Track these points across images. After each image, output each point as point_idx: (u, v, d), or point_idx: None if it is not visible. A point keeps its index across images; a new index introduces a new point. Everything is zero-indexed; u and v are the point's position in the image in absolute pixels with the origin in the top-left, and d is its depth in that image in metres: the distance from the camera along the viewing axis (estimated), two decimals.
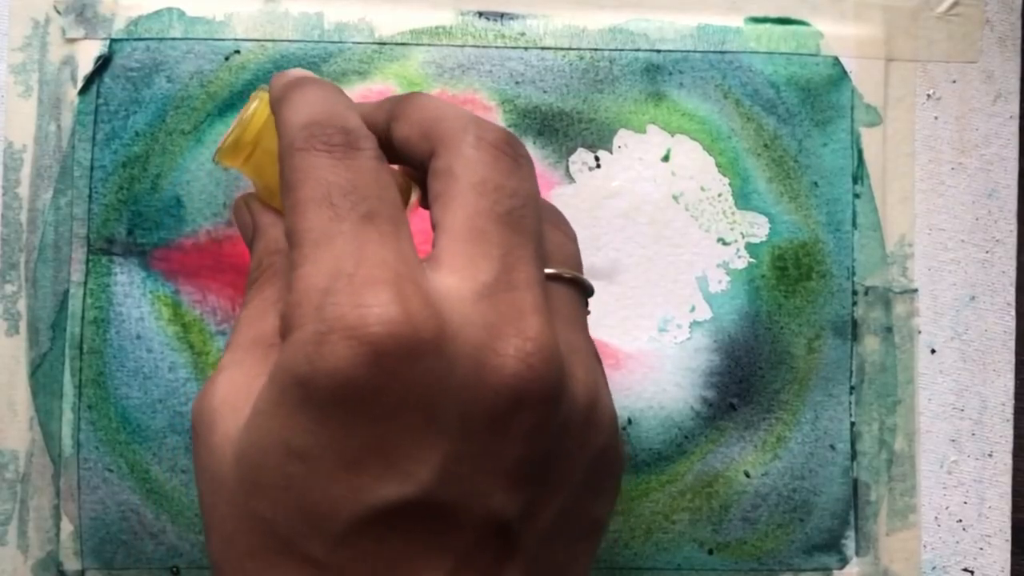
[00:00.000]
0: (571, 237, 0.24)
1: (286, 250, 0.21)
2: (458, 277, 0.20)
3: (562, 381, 0.20)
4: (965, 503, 0.32)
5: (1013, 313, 0.32)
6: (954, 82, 0.33)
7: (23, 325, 0.31)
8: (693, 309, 0.31)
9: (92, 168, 0.31)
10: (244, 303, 0.23)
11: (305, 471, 0.19)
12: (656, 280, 0.31)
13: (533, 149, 0.31)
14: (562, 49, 0.32)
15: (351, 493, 0.19)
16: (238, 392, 0.21)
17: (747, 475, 0.31)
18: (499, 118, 0.31)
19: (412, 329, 0.18)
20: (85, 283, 0.31)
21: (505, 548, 0.20)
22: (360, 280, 0.18)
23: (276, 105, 0.23)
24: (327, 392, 0.18)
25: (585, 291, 0.23)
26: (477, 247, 0.20)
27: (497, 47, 0.32)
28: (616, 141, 0.32)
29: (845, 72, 0.32)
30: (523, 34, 0.32)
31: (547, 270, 0.22)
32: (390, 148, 0.23)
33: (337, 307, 0.18)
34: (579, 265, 0.24)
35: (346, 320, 0.18)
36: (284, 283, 0.22)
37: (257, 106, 0.24)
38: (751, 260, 0.32)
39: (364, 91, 0.31)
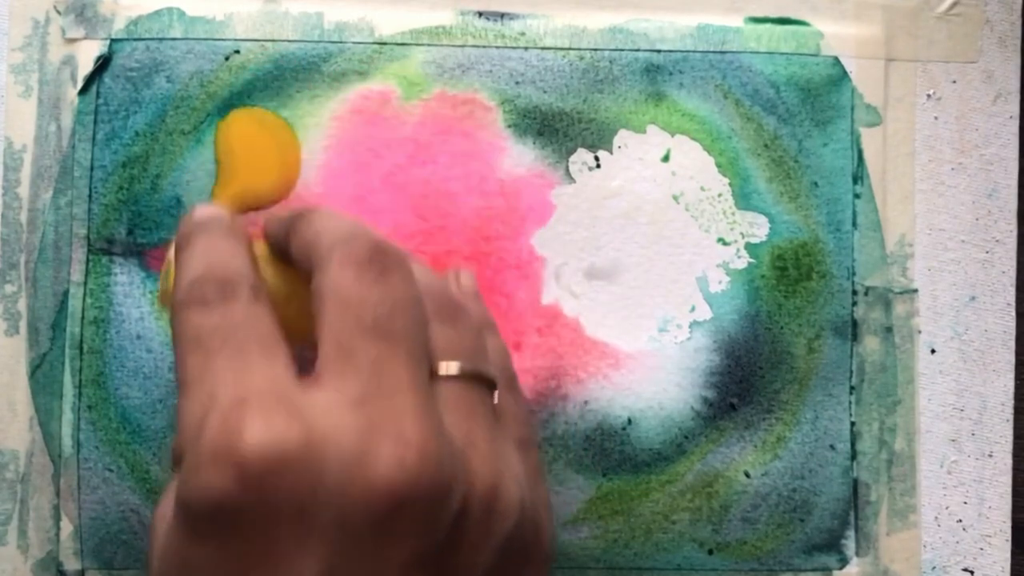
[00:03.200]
0: (470, 328, 0.24)
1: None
2: (331, 391, 0.20)
3: (447, 478, 0.20)
4: (965, 503, 0.32)
5: (1013, 313, 0.32)
6: (954, 82, 0.33)
7: (23, 325, 0.32)
8: (693, 309, 0.31)
9: (92, 168, 0.31)
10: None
11: None
12: (656, 280, 0.31)
13: (533, 149, 0.31)
14: (562, 49, 0.32)
15: None
16: (167, 511, 0.21)
17: (747, 475, 0.31)
18: (499, 118, 0.31)
19: (277, 442, 0.19)
20: (85, 283, 0.31)
21: None
22: (226, 405, 0.19)
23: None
24: (203, 515, 0.19)
25: (487, 383, 0.23)
26: (345, 362, 0.20)
27: (497, 47, 0.32)
28: (616, 141, 0.32)
29: (845, 72, 0.32)
30: (523, 34, 0.32)
31: (444, 365, 0.22)
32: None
33: (207, 433, 0.19)
34: (481, 355, 0.24)
35: (214, 444, 0.19)
36: None
37: (171, 255, 0.25)
38: (751, 260, 0.32)
39: (364, 91, 0.31)
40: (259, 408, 0.19)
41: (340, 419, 0.20)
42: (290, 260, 0.25)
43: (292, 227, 0.24)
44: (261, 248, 0.26)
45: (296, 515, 0.19)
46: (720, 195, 0.32)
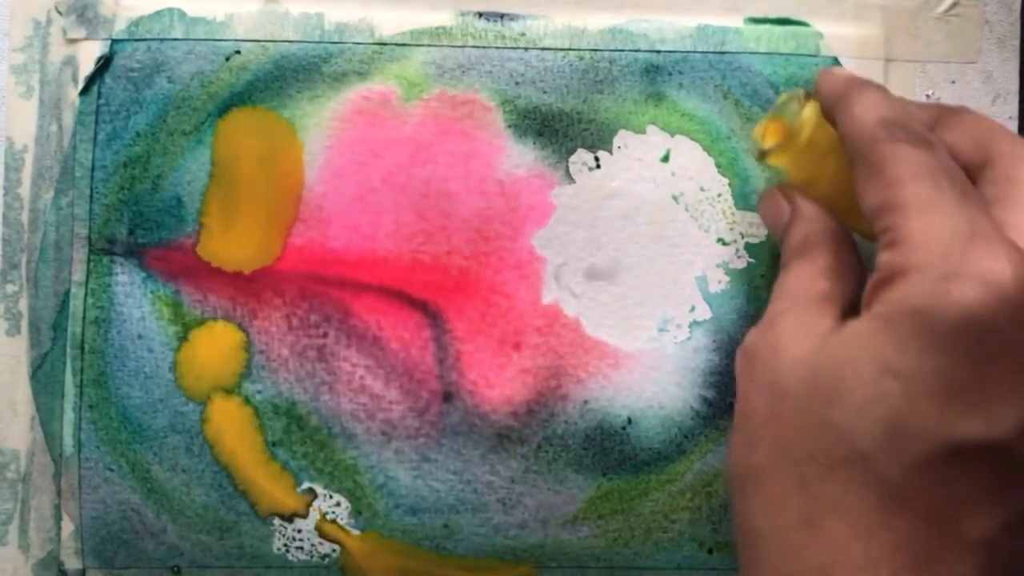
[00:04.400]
0: None
1: (831, 231, 0.26)
2: None
3: None
4: None
5: None
6: (953, 82, 0.33)
7: (24, 325, 0.32)
8: (693, 309, 0.32)
9: (93, 168, 0.31)
10: (787, 271, 0.27)
11: (899, 390, 0.21)
12: (656, 280, 0.32)
13: (533, 149, 0.32)
14: (562, 49, 0.32)
15: (939, 421, 0.21)
16: (798, 330, 0.24)
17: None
18: (499, 118, 0.32)
19: None
20: (86, 283, 0.31)
21: None
22: (982, 237, 0.21)
23: (838, 103, 0.26)
24: (949, 323, 0.21)
25: None
26: None
27: (497, 47, 0.32)
28: (616, 141, 0.32)
29: None
30: (523, 34, 0.32)
31: None
32: None
33: (967, 254, 0.21)
34: None
35: (976, 266, 0.21)
36: (833, 256, 0.26)
37: (808, 112, 0.27)
38: (751, 260, 0.32)
39: (364, 91, 0.31)
40: (1012, 250, 0.21)
41: None
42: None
43: (947, 119, 0.26)
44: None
45: None
46: (720, 195, 0.32)
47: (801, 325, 0.24)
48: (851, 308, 0.25)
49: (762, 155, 0.28)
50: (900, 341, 0.21)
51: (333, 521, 0.31)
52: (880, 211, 0.23)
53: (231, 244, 0.31)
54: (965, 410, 0.21)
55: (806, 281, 0.26)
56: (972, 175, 0.24)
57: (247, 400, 0.31)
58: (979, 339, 0.21)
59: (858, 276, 0.26)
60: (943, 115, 0.26)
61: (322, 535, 0.31)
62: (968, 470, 0.21)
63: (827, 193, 0.27)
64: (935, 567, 0.21)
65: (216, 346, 0.31)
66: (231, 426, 0.31)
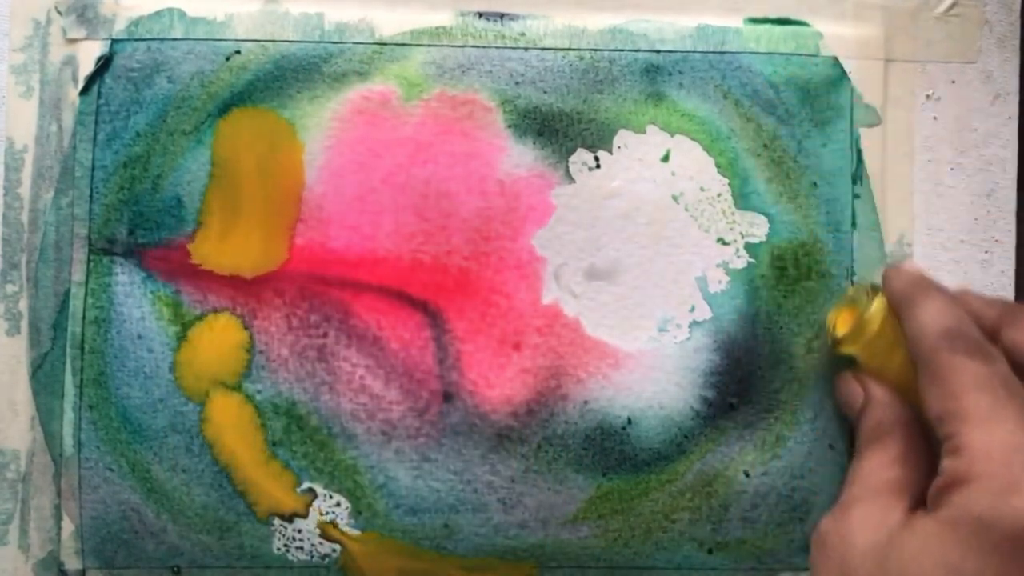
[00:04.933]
0: None
1: (901, 418, 0.28)
2: None
3: None
4: None
5: None
6: (953, 82, 0.33)
7: (24, 325, 0.32)
8: (693, 309, 0.32)
9: (93, 168, 0.31)
10: (860, 457, 0.28)
11: None
12: (656, 280, 0.32)
13: (533, 149, 0.32)
14: (562, 49, 0.32)
15: None
16: (869, 520, 0.26)
17: (747, 475, 0.31)
18: (499, 118, 0.32)
19: None
20: (86, 283, 0.31)
21: None
22: None
23: (904, 304, 0.28)
24: (1008, 532, 0.23)
25: None
26: None
27: (497, 47, 0.32)
28: (616, 141, 0.32)
29: (844, 72, 0.32)
30: (523, 34, 0.32)
31: None
32: (1003, 351, 0.27)
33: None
34: None
35: None
36: (904, 444, 0.28)
37: (877, 305, 0.29)
38: (750, 260, 0.32)
39: (364, 91, 0.31)
40: None
41: None
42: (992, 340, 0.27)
43: (1012, 317, 0.27)
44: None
45: None
46: (719, 195, 0.32)
47: (872, 515, 0.26)
48: (921, 495, 0.26)
49: (835, 343, 0.30)
50: (963, 545, 0.23)
51: (333, 523, 0.31)
52: (942, 419, 0.25)
53: (233, 248, 0.31)
54: None
55: (878, 469, 0.28)
56: None
57: (247, 398, 0.31)
58: None
59: (928, 462, 0.27)
60: (1007, 313, 0.28)
61: (323, 535, 0.31)
62: None
63: (896, 379, 0.29)
64: None
65: (218, 339, 0.31)
66: (231, 425, 0.31)
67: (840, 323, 0.30)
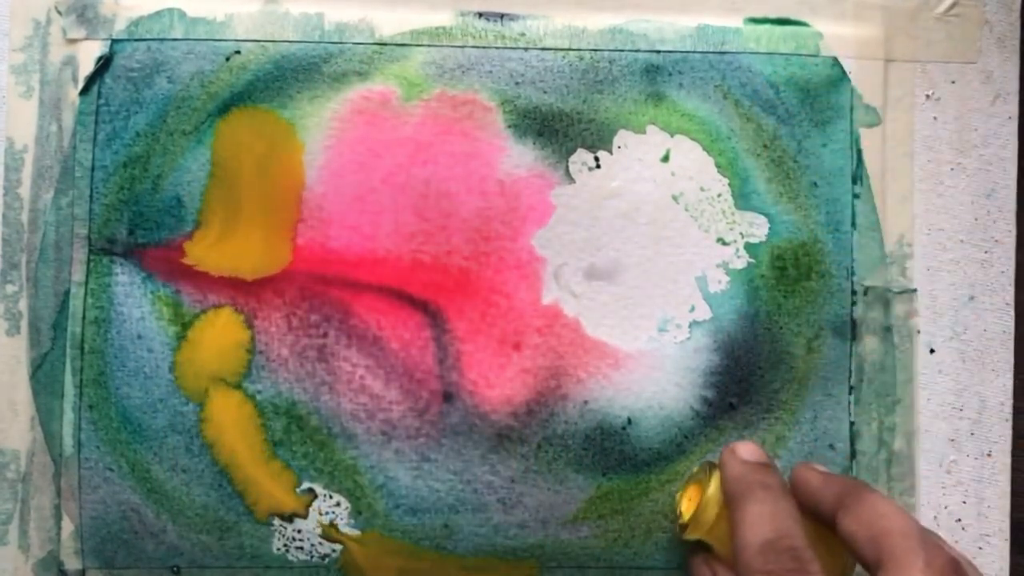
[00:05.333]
0: None
1: None
2: None
3: None
4: (964, 502, 0.32)
5: (1012, 313, 0.32)
6: (953, 82, 0.33)
7: (24, 325, 0.32)
8: (693, 309, 0.32)
9: (93, 168, 0.31)
10: None
11: None
12: (656, 280, 0.32)
13: (533, 149, 0.32)
14: (562, 50, 0.32)
15: None
16: None
17: None
18: (499, 118, 0.32)
19: None
20: (86, 283, 0.31)
21: None
22: None
23: (731, 504, 0.28)
24: None
25: None
26: None
27: (497, 48, 0.32)
28: (616, 141, 0.32)
29: (844, 72, 0.32)
30: (523, 35, 0.32)
31: None
32: (834, 532, 0.27)
33: None
34: None
35: None
36: None
37: (712, 489, 0.28)
38: (750, 260, 0.32)
39: (365, 91, 0.31)
40: None
41: None
42: (819, 518, 0.27)
43: (847, 501, 0.27)
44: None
45: None
46: (719, 195, 0.32)
47: None
48: None
49: (681, 529, 0.29)
50: None
51: (333, 524, 0.31)
52: None
53: (234, 248, 0.31)
54: None
55: None
56: (870, 569, 0.25)
57: (248, 397, 0.31)
58: None
59: None
60: (846, 495, 0.27)
61: (324, 536, 0.31)
62: None
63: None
64: None
65: (220, 335, 0.31)
66: (231, 424, 0.31)
67: (685, 505, 0.30)
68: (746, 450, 0.29)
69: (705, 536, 0.29)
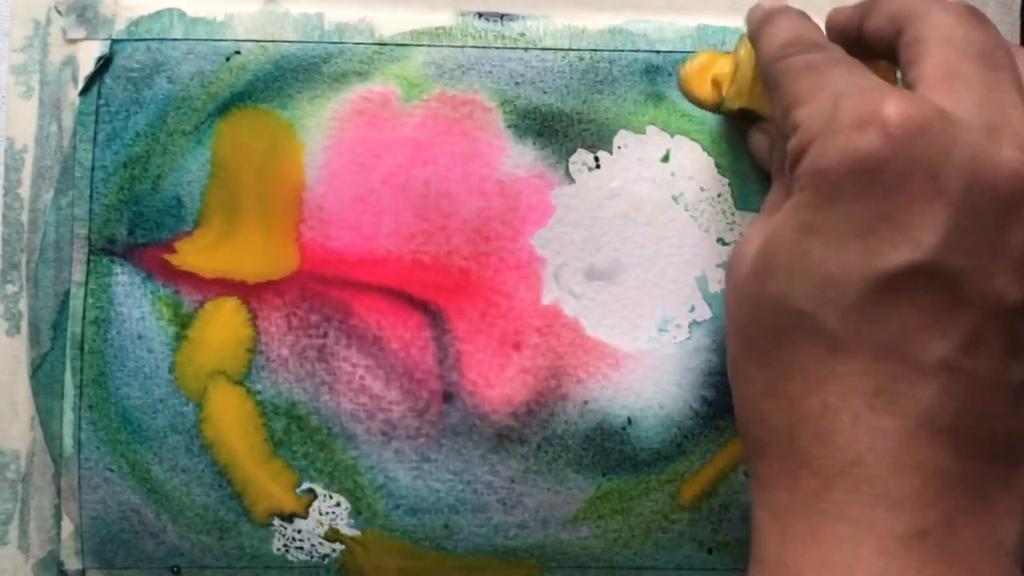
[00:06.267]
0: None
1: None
2: (944, 101, 0.22)
3: None
4: None
5: None
6: None
7: (24, 325, 0.32)
8: (693, 309, 0.32)
9: (93, 168, 0.31)
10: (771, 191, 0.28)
11: (820, 243, 0.22)
12: (656, 280, 0.32)
13: (533, 149, 0.32)
14: (562, 50, 0.32)
15: (863, 259, 0.22)
16: (755, 231, 0.25)
17: (747, 475, 0.31)
18: (499, 118, 0.32)
19: (917, 109, 0.21)
20: (86, 283, 0.31)
21: (1013, 342, 0.22)
22: (856, 93, 0.22)
23: (754, 37, 0.28)
24: (844, 169, 0.22)
25: None
26: (956, 82, 0.22)
27: (497, 48, 0.32)
28: (616, 141, 0.32)
29: None
30: (523, 35, 0.32)
31: None
32: (867, 47, 0.26)
33: (846, 113, 0.22)
34: None
35: (858, 115, 0.22)
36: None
37: (742, 49, 0.29)
38: None
39: (364, 91, 0.31)
40: (892, 91, 0.22)
41: (967, 112, 0.22)
42: (865, 46, 0.26)
43: (868, 7, 0.26)
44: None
45: (929, 176, 0.21)
46: (720, 195, 0.32)
47: (755, 228, 0.25)
48: None
49: (715, 107, 0.30)
50: (812, 202, 0.22)
51: (333, 527, 0.31)
52: (783, 120, 0.25)
53: (235, 249, 0.31)
54: (885, 242, 0.21)
55: (771, 201, 0.27)
56: (896, 49, 0.25)
57: (248, 394, 0.31)
58: (875, 177, 0.21)
59: None
60: (866, 5, 0.27)
61: (326, 536, 0.31)
62: (909, 300, 0.21)
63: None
64: (895, 401, 0.22)
65: (223, 325, 0.31)
66: (231, 422, 0.31)
67: (707, 82, 0.30)
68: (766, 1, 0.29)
69: (747, 102, 0.29)
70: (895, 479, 0.21)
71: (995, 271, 0.21)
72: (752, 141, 0.31)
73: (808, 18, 0.27)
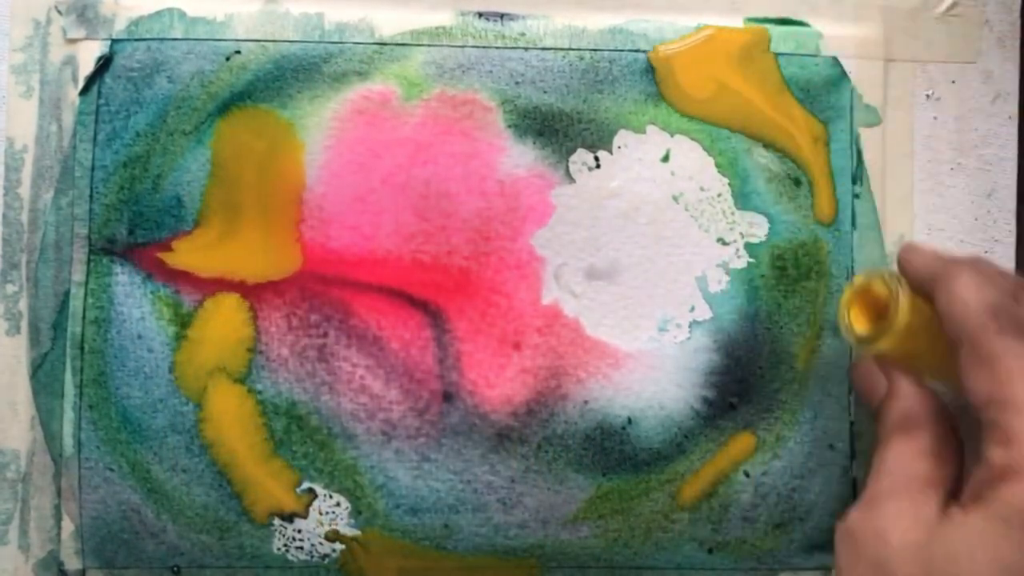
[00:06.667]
0: None
1: (930, 409, 0.27)
2: None
3: None
4: None
5: None
6: (953, 82, 0.33)
7: (24, 325, 0.32)
8: (693, 309, 0.32)
9: (93, 168, 0.31)
10: (887, 448, 0.27)
11: None
12: (656, 280, 0.32)
13: (533, 149, 0.32)
14: (562, 49, 0.32)
15: None
16: (904, 515, 0.25)
17: (746, 475, 0.31)
18: (499, 118, 0.32)
19: None
20: (86, 283, 0.31)
21: None
22: None
23: (935, 282, 0.26)
24: None
25: None
26: None
27: (497, 47, 0.32)
28: (616, 141, 0.32)
29: (844, 72, 0.32)
30: (523, 34, 0.32)
31: None
32: None
33: None
34: None
35: None
36: (934, 436, 0.26)
37: (903, 300, 0.27)
38: (750, 260, 0.32)
39: (365, 91, 0.31)
40: None
41: None
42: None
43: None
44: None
45: None
46: (719, 195, 0.32)
47: (905, 510, 0.25)
48: (952, 488, 0.26)
49: (860, 342, 0.29)
50: (1017, 541, 0.22)
51: (333, 528, 0.31)
52: (989, 404, 0.24)
53: (235, 250, 0.31)
54: None
55: (909, 461, 0.26)
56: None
57: (248, 393, 0.31)
58: None
59: (959, 456, 0.26)
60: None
61: (326, 536, 0.31)
62: None
63: (923, 365, 0.28)
64: None
65: (224, 321, 0.31)
66: (231, 420, 0.31)
67: (855, 318, 0.29)
68: (923, 244, 0.28)
69: (887, 345, 0.28)
70: None
71: None
72: (864, 376, 0.29)
73: (991, 274, 0.26)
